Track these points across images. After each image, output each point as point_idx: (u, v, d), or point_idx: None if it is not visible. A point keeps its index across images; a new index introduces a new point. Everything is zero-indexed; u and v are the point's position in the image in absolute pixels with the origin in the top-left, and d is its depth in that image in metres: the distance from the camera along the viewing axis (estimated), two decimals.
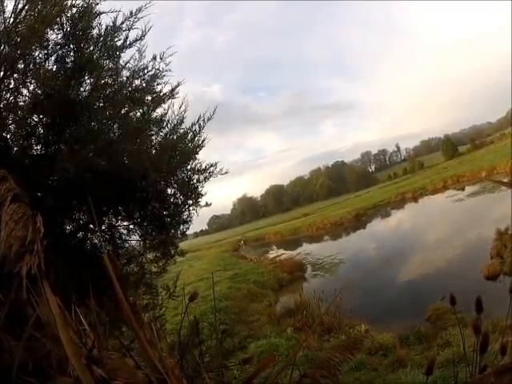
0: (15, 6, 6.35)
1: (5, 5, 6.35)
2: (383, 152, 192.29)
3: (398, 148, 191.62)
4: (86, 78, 6.77)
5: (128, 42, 7.23)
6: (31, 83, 6.59)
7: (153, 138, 7.87)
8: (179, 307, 10.47)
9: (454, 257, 24.56)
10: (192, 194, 8.42)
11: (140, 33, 7.26)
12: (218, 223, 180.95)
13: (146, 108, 7.61)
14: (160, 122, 7.93)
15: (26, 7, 6.35)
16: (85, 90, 6.77)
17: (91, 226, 7.60)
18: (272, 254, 51.55)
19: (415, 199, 66.59)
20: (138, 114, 7.60)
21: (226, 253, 66.71)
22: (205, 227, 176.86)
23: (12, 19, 6.34)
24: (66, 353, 2.33)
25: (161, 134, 7.99)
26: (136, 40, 7.28)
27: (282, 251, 53.84)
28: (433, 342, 13.12)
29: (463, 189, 54.82)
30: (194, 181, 8.41)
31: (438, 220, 39.51)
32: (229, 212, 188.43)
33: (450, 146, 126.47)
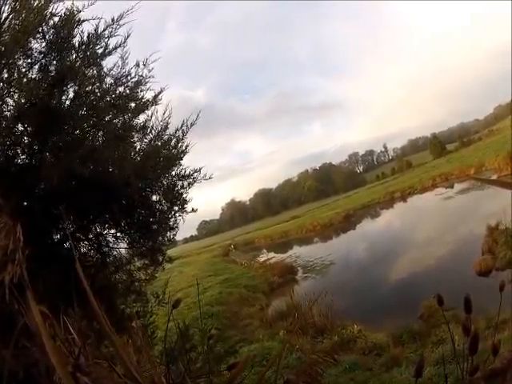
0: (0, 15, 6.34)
1: None
2: (371, 152, 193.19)
3: (386, 148, 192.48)
4: (69, 86, 6.73)
5: (108, 50, 7.20)
6: (15, 92, 6.57)
7: (137, 144, 7.86)
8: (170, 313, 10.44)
9: (445, 254, 24.65)
10: (177, 200, 8.40)
11: (122, 39, 7.25)
12: (208, 228, 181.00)
13: (128, 115, 7.58)
14: (144, 128, 7.90)
15: (10, 16, 6.28)
16: (67, 98, 6.73)
17: (78, 234, 7.57)
18: (262, 258, 51.71)
19: (404, 198, 66.91)
20: (121, 121, 7.58)
21: (217, 258, 66.81)
22: (194, 233, 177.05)
23: None
24: (52, 361, 2.32)
25: (145, 140, 7.96)
26: (116, 47, 7.24)
27: (272, 254, 54.18)
28: (427, 340, 13.14)
29: (452, 186, 55.16)
30: (179, 187, 8.40)
31: (428, 218, 39.68)
32: (218, 217, 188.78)
33: (437, 145, 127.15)
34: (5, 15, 6.23)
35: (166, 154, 7.92)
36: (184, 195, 8.53)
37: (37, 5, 6.45)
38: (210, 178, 8.54)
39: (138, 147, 7.81)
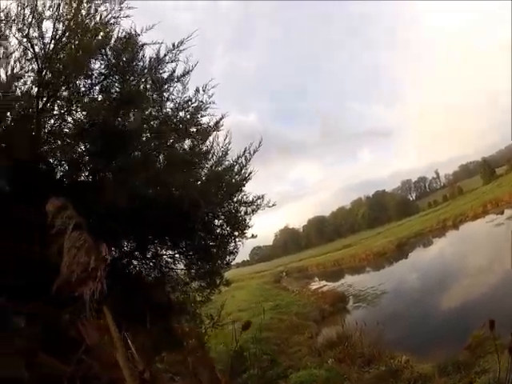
0: (54, 32, 6.62)
1: (44, 30, 6.64)
2: (423, 179, 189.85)
3: (438, 174, 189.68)
4: (135, 110, 6.95)
5: (175, 77, 7.44)
6: (76, 111, 6.84)
7: (199, 169, 8.07)
8: (219, 336, 10.54)
9: (497, 282, 24.27)
10: (240, 225, 8.54)
11: (183, 65, 7.51)
12: (260, 254, 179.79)
13: (194, 141, 7.79)
14: (206, 153, 8.08)
15: (67, 34, 6.62)
16: (131, 122, 6.95)
17: (136, 253, 7.78)
18: (314, 286, 51.75)
19: (456, 226, 65.75)
20: (186, 146, 7.79)
21: (268, 284, 66.66)
22: (246, 258, 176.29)
23: (52, 45, 6.60)
24: (116, 374, 2.49)
25: (206, 165, 8.18)
26: (183, 74, 7.50)
27: (324, 282, 53.90)
28: (470, 370, 13.01)
29: (502, 212, 54.10)
30: (242, 213, 8.53)
31: (479, 246, 38.98)
32: (270, 243, 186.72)
33: (487, 169, 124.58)
34: (60, 32, 6.64)
35: (228, 180, 8.12)
36: (247, 221, 8.69)
37: (93, 26, 6.80)
38: (273, 205, 8.71)
39: (201, 173, 8.01)
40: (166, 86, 7.57)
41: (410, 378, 13.69)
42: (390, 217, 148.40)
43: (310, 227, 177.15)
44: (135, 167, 6.76)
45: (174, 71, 7.50)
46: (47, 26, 6.71)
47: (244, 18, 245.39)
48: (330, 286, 48.24)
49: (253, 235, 8.95)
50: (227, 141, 8.44)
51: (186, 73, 7.58)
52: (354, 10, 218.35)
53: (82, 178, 7.11)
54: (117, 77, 7.25)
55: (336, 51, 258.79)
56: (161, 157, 7.36)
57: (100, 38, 6.97)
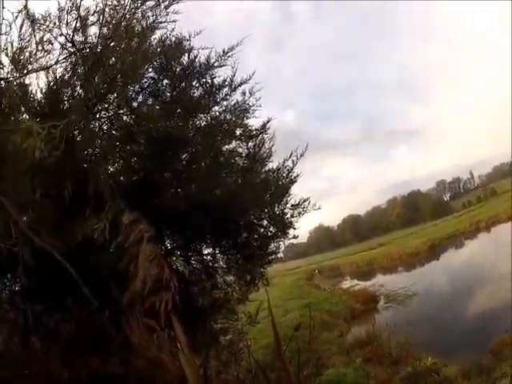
0: (100, 37, 6.71)
1: (89, 35, 6.75)
2: (457, 180, 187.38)
3: (472, 175, 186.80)
4: (186, 115, 7.24)
5: (229, 83, 7.71)
6: (124, 114, 7.06)
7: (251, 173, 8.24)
8: (250, 333, 10.78)
9: None
10: (287, 228, 8.76)
11: (247, 76, 7.82)
12: (294, 251, 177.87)
13: (242, 144, 8.05)
14: (254, 157, 8.33)
15: (114, 38, 6.69)
16: (181, 126, 7.22)
17: (179, 251, 8.05)
18: (346, 285, 52.08)
19: (488, 228, 65.03)
20: (240, 150, 8.10)
21: (300, 281, 66.23)
22: (280, 255, 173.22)
23: (99, 48, 6.66)
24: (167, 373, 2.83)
25: (253, 168, 8.34)
26: (241, 83, 7.79)
27: (356, 282, 54.10)
28: (492, 374, 13.15)
29: None
30: (288, 215, 8.81)
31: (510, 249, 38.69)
32: (304, 241, 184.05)
33: None
34: (106, 38, 6.72)
35: (276, 183, 8.41)
36: (295, 224, 8.94)
37: (138, 30, 6.93)
38: (318, 208, 8.98)
39: (249, 176, 8.18)
40: (218, 92, 7.71)
41: (435, 381, 13.93)
42: (424, 217, 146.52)
43: (344, 226, 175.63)
44: (185, 170, 7.13)
45: (231, 79, 7.67)
46: (92, 30, 6.79)
47: (283, 18, 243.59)
48: (362, 285, 48.40)
49: (294, 236, 9.16)
50: (271, 143, 8.62)
51: (244, 82, 7.77)
52: (391, 9, 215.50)
53: (131, 179, 7.35)
54: (167, 81, 7.49)
55: (372, 50, 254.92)
56: (210, 160, 7.52)
57: (150, 42, 7.20)
